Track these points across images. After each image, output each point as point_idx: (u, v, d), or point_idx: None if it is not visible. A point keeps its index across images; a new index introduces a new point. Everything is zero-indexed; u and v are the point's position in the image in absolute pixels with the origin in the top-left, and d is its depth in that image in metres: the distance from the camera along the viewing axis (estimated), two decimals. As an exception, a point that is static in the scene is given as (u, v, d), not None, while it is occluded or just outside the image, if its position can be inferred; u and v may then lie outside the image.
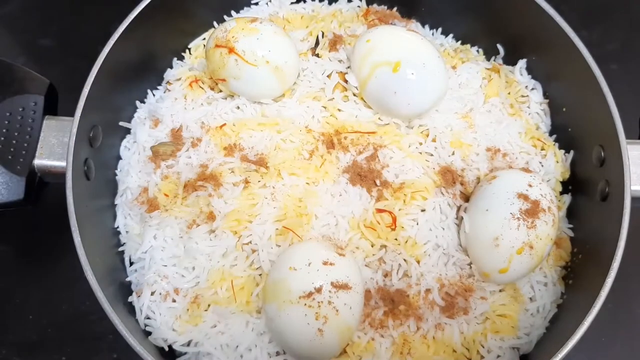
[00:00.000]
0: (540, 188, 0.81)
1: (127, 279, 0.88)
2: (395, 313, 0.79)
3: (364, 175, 0.85)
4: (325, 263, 0.74)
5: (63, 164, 0.82)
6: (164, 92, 1.00)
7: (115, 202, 0.93)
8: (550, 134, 0.98)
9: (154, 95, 1.01)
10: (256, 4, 1.08)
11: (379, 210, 0.83)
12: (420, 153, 0.89)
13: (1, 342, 1.00)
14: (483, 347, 0.81)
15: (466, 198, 0.87)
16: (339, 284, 0.73)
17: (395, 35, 0.89)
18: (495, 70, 1.00)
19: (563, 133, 0.96)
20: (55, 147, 0.86)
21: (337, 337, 0.73)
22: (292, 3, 1.08)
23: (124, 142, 0.96)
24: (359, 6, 1.07)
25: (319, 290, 0.72)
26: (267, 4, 1.08)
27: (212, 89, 0.96)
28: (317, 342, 0.72)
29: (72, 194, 0.79)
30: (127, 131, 0.97)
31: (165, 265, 0.84)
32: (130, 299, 0.84)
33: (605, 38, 1.25)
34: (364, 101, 0.92)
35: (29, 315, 1.02)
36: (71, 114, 0.83)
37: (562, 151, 0.93)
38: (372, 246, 0.82)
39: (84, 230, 0.78)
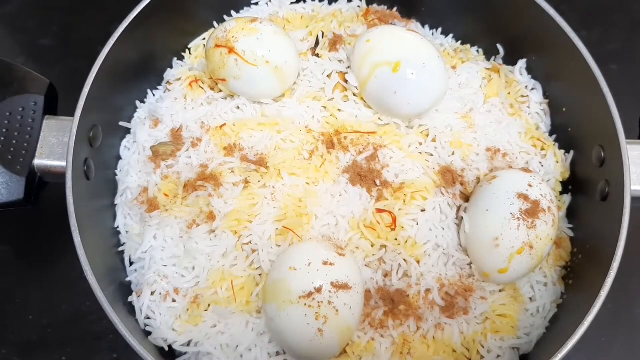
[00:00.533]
0: (540, 188, 0.81)
1: (127, 279, 0.88)
2: (395, 313, 0.79)
3: (364, 175, 0.85)
4: (325, 263, 0.74)
5: (63, 164, 0.82)
6: (164, 92, 1.00)
7: (115, 202, 0.93)
8: (550, 134, 0.98)
9: (154, 95, 1.01)
10: (256, 4, 1.08)
11: (379, 210, 0.83)
12: (420, 153, 0.89)
13: (1, 342, 1.00)
14: (483, 347, 0.81)
15: (466, 198, 0.87)
16: (339, 284, 0.73)
17: (395, 35, 0.89)
18: (495, 70, 1.00)
19: (563, 133, 0.96)
20: (55, 147, 0.86)
21: (337, 337, 0.73)
22: (292, 3, 1.08)
23: (124, 142, 0.96)
24: (359, 6, 1.07)
25: (319, 290, 0.72)
26: (267, 4, 1.08)
27: (212, 89, 0.96)
28: (317, 342, 0.72)
29: (72, 194, 0.79)
30: (127, 131, 0.97)
31: (165, 265, 0.84)
32: (130, 299, 0.84)
33: (605, 38, 1.25)
34: (364, 101, 0.92)
35: (29, 315, 1.02)
36: (71, 114, 0.83)
37: (562, 151, 0.93)
38: (372, 246, 0.82)
39: (84, 230, 0.78)
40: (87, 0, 1.30)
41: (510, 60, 1.02)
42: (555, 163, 0.92)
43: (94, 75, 0.85)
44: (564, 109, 0.96)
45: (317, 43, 0.98)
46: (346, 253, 0.78)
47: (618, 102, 0.83)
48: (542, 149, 0.93)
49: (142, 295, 0.83)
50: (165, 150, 0.90)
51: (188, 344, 0.81)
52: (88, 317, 1.00)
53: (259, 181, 0.85)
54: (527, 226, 0.78)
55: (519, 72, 1.00)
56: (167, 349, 0.81)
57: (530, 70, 1.00)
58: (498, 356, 0.81)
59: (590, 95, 0.87)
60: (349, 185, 0.85)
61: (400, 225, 0.82)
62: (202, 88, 0.96)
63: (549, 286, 0.86)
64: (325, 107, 0.92)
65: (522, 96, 0.99)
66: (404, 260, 0.81)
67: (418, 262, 0.81)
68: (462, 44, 1.07)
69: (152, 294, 0.82)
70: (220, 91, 0.95)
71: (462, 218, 0.83)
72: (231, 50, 0.88)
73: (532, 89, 1.00)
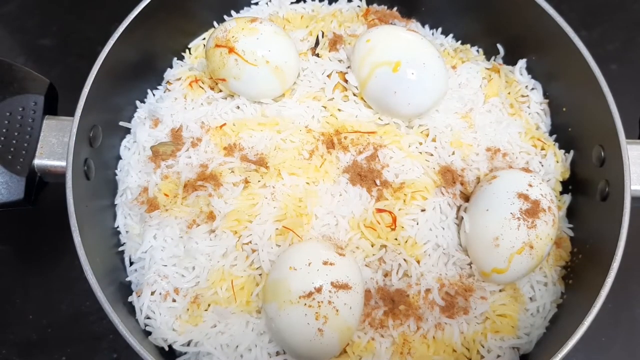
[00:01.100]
0: (540, 188, 0.81)
1: (127, 279, 0.88)
2: (395, 313, 0.79)
3: (364, 175, 0.85)
4: (325, 263, 0.74)
5: (63, 163, 0.82)
6: (164, 92, 1.00)
7: (115, 202, 0.93)
8: (550, 134, 0.98)
9: (154, 95, 1.01)
10: (256, 4, 1.08)
11: (379, 210, 0.83)
12: (420, 153, 0.89)
13: (1, 342, 1.00)
14: (483, 347, 0.81)
15: (466, 198, 0.87)
16: (339, 283, 0.73)
17: (395, 35, 0.89)
18: (495, 70, 1.00)
19: (563, 133, 0.96)
20: (55, 147, 0.86)
21: (337, 337, 0.73)
22: (292, 3, 1.08)
23: (124, 142, 0.96)
24: (359, 6, 1.07)
25: (319, 290, 0.72)
26: (267, 4, 1.08)
27: (212, 89, 0.96)
28: (317, 342, 0.72)
29: (72, 194, 0.79)
30: (127, 131, 0.97)
31: (165, 265, 0.84)
32: (130, 299, 0.84)
33: (605, 38, 1.26)
34: (364, 101, 0.92)
35: (29, 315, 1.02)
36: (71, 114, 0.83)
37: (562, 151, 0.93)
38: (372, 246, 0.82)
39: (84, 230, 0.78)
40: (87, 0, 1.30)
41: (510, 60, 1.02)
42: (555, 163, 0.92)
43: (94, 75, 0.85)
44: (564, 109, 0.96)
45: (317, 43, 0.98)
46: (346, 253, 0.78)
47: (618, 102, 0.83)
48: (542, 149, 0.93)
49: (142, 295, 0.83)
50: (165, 150, 0.90)
51: (188, 344, 0.81)
52: (88, 317, 1.00)
53: (259, 181, 0.85)
54: (527, 226, 0.78)
55: (519, 72, 1.00)
56: (167, 349, 0.81)
57: (530, 70, 1.00)
58: (498, 356, 0.81)
59: (590, 95, 0.87)
60: (349, 185, 0.85)
61: (400, 225, 0.82)
62: (202, 88, 0.96)
63: (549, 286, 0.86)
64: (325, 107, 0.92)
65: (522, 96, 0.99)
66: (404, 260, 0.81)
67: (418, 262, 0.81)
68: (462, 43, 1.07)
69: (152, 293, 0.82)
70: (220, 91, 0.95)
71: (462, 218, 0.83)
72: (231, 50, 0.88)
73: (532, 88, 1.00)
